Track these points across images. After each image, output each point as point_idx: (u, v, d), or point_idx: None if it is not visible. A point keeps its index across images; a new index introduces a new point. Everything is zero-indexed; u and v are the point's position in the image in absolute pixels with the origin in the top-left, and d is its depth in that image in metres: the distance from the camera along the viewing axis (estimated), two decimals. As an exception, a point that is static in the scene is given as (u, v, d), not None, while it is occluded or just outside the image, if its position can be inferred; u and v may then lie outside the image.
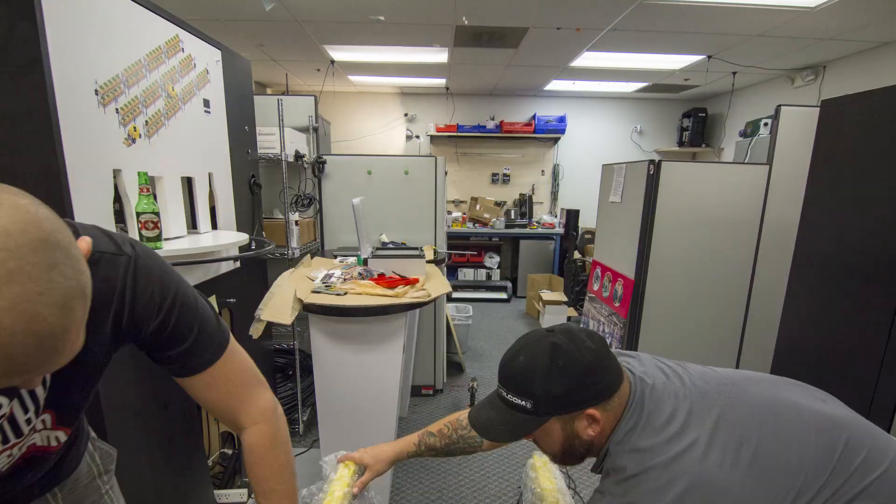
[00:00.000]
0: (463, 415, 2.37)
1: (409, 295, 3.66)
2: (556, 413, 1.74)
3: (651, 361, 1.96)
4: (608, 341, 6.68)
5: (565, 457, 1.86)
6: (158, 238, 2.62)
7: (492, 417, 1.85)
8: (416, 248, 4.94)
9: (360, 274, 4.06)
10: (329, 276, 4.01)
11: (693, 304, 6.24)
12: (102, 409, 2.39)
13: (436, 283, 4.04)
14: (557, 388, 1.70)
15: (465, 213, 11.33)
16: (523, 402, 1.73)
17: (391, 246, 5.37)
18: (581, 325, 1.85)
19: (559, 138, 11.65)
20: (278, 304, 3.46)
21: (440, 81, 10.33)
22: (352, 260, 4.28)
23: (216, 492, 3.64)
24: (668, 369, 1.89)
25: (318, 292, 3.71)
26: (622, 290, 6.49)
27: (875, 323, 2.97)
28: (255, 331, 3.51)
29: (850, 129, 3.26)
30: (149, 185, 2.58)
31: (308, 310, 3.56)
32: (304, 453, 4.92)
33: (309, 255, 4.59)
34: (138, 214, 2.54)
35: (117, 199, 2.55)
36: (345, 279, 3.99)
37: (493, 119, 11.39)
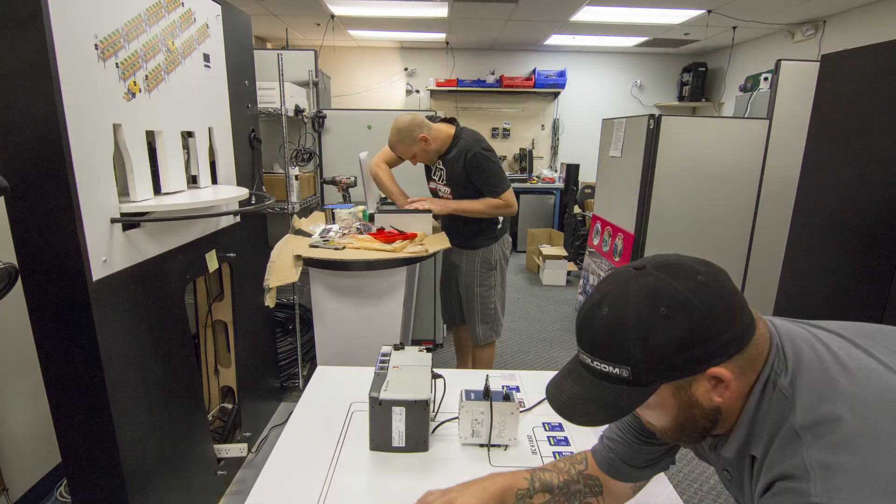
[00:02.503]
0: (584, 452, 1.84)
1: (406, 250, 3.67)
2: (665, 379, 1.24)
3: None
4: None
5: (681, 434, 1.36)
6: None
7: (576, 394, 1.35)
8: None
9: (358, 229, 4.07)
10: (327, 230, 4.02)
11: (692, 259, 6.23)
12: (101, 361, 2.43)
13: (434, 239, 4.05)
14: (663, 346, 1.20)
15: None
16: (617, 370, 1.24)
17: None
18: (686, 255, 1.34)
19: (559, 93, 11.63)
20: (281, 268, 3.48)
21: (440, 36, 10.28)
22: (346, 211, 4.27)
23: (216, 446, 3.67)
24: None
25: (316, 247, 3.72)
26: (622, 244, 6.51)
27: (874, 278, 2.99)
28: (270, 300, 3.54)
29: (849, 83, 3.26)
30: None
31: (307, 264, 3.58)
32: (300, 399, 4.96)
33: (295, 215, 4.59)
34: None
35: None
36: (343, 234, 4.00)
37: (493, 73, 11.36)
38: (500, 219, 4.53)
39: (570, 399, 1.35)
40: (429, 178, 4.65)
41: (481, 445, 2.04)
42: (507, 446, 2.05)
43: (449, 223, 4.53)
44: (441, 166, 4.37)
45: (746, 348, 1.24)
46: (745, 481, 1.33)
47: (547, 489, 1.71)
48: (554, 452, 2.05)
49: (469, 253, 4.53)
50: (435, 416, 2.18)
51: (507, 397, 2.05)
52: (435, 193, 4.60)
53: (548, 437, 2.15)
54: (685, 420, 1.30)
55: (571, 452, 1.98)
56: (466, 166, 4.14)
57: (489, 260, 4.52)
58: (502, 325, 4.81)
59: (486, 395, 2.05)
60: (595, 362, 1.28)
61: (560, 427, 2.23)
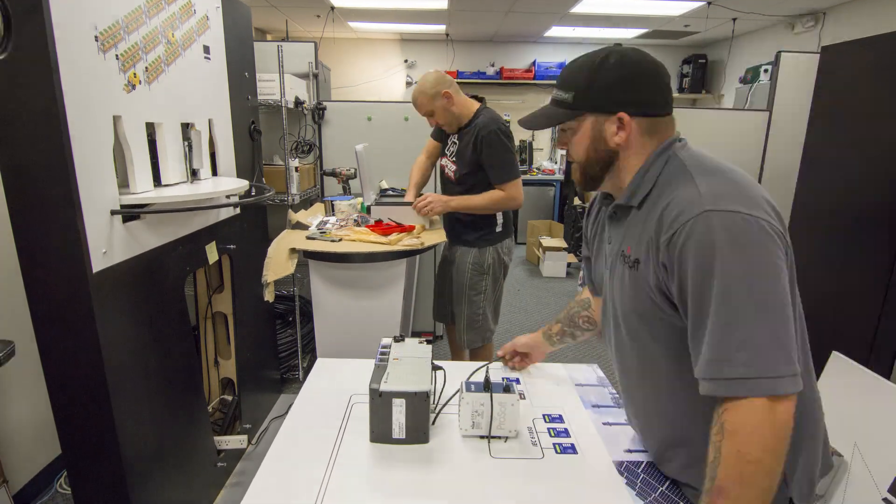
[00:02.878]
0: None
1: (402, 242, 3.67)
2: (591, 108, 1.69)
3: None
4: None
5: (587, 166, 1.78)
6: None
7: (536, 113, 1.86)
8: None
9: (355, 220, 4.07)
10: (324, 222, 4.02)
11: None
12: (101, 353, 2.45)
13: (431, 232, 4.06)
14: (599, 81, 1.66)
15: (465, 160, 11.10)
16: (566, 95, 1.71)
17: (391, 192, 5.38)
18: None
19: (559, 85, 11.54)
20: (278, 262, 3.49)
21: (440, 28, 10.27)
22: (346, 203, 4.27)
23: (216, 438, 3.67)
24: None
25: (313, 238, 3.73)
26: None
27: (875, 267, 3.00)
28: (269, 295, 3.55)
29: (849, 75, 3.27)
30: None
31: (306, 256, 3.59)
32: (300, 391, 4.97)
33: (290, 209, 4.59)
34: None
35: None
36: (340, 225, 4.00)
37: (493, 66, 11.36)
38: (500, 221, 4.29)
39: (532, 116, 1.87)
40: (441, 154, 4.48)
41: (481, 437, 2.04)
42: (507, 438, 2.05)
43: (446, 216, 4.37)
44: (455, 140, 4.23)
45: (655, 120, 1.69)
46: (623, 227, 1.79)
47: (558, 321, 2.50)
48: (554, 444, 2.05)
49: (462, 250, 4.30)
50: (435, 408, 2.18)
51: (507, 389, 2.05)
52: (443, 171, 4.44)
53: (548, 429, 2.15)
54: (592, 154, 1.74)
55: (572, 445, 2.04)
56: (478, 142, 3.96)
57: (481, 263, 4.25)
58: (492, 331, 4.49)
59: (487, 386, 2.05)
60: (556, 91, 1.76)
61: (560, 419, 2.23)
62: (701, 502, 1.44)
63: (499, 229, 4.27)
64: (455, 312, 4.46)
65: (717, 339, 1.42)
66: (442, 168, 4.46)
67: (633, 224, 1.72)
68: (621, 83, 1.66)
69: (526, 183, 10.61)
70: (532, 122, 1.89)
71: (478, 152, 3.98)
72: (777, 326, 1.40)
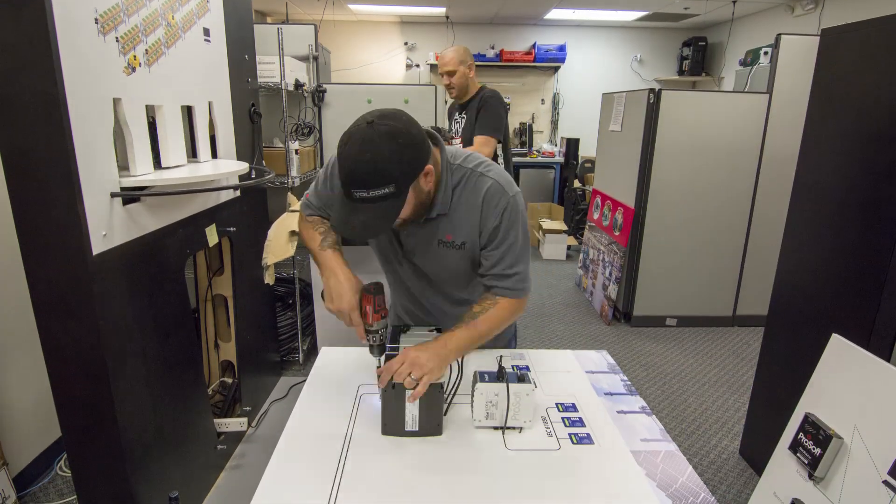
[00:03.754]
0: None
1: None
2: (409, 182, 1.96)
3: None
4: (608, 271, 6.74)
5: (419, 215, 2.18)
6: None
7: (364, 220, 1.96)
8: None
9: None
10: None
11: (693, 233, 6.27)
12: (101, 336, 2.45)
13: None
14: (407, 162, 1.93)
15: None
16: (387, 189, 1.88)
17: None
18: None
19: (559, 67, 11.59)
20: (278, 245, 3.49)
21: (440, 10, 10.24)
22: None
23: (216, 420, 3.68)
24: None
25: (313, 221, 3.72)
26: (622, 218, 6.52)
27: (875, 251, 2.99)
28: (270, 278, 3.55)
29: (850, 58, 3.25)
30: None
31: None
32: (305, 382, 4.97)
33: (290, 192, 4.60)
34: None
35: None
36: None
37: (493, 48, 11.34)
38: None
39: (362, 225, 1.96)
40: (447, 140, 4.79)
41: (495, 428, 2.04)
42: (521, 428, 2.05)
43: None
44: (459, 118, 4.80)
45: (432, 155, 2.08)
46: (434, 232, 2.29)
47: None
48: (570, 434, 2.03)
49: None
50: (449, 400, 2.17)
51: (521, 378, 2.04)
52: None
53: (562, 419, 2.14)
54: (419, 204, 2.09)
55: (588, 434, 2.04)
56: (482, 104, 4.61)
57: None
58: None
59: (501, 376, 2.04)
60: (371, 192, 1.87)
61: (574, 408, 2.22)
62: (461, 324, 2.27)
63: None
64: None
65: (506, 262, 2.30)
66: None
67: (449, 222, 2.29)
68: (417, 151, 1.97)
69: (526, 165, 10.64)
70: (377, 229, 2.19)
71: (478, 114, 4.65)
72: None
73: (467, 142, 4.74)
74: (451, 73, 4.88)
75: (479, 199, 2.22)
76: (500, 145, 4.76)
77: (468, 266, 2.38)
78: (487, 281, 2.33)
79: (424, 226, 2.27)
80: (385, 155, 1.86)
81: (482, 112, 4.73)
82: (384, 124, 1.91)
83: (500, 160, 4.73)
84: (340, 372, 2.46)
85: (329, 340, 3.76)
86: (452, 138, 4.98)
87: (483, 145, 4.59)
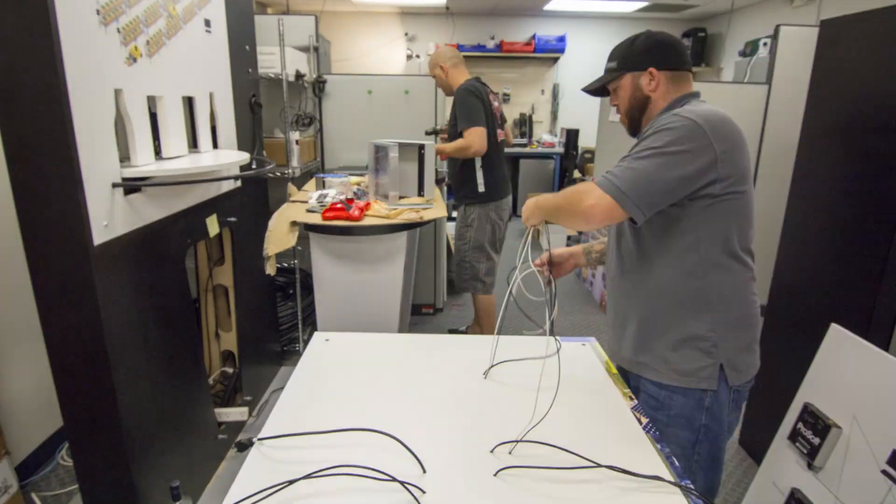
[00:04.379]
0: None
1: (402, 216, 3.67)
2: (630, 69, 2.31)
3: None
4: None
5: (630, 112, 2.39)
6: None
7: (592, 82, 2.51)
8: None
9: (354, 194, 4.06)
10: (324, 195, 4.02)
11: (692, 224, 6.25)
12: (102, 325, 2.45)
13: (432, 207, 4.03)
14: (633, 49, 2.31)
15: (464, 134, 11.04)
16: (611, 64, 2.37)
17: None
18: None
19: (559, 58, 11.58)
20: (279, 236, 3.49)
21: (440, 1, 10.22)
22: (337, 180, 4.27)
23: (217, 410, 3.69)
24: None
25: (313, 212, 3.72)
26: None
27: (874, 241, 3.00)
28: (271, 268, 3.56)
29: (849, 49, 3.26)
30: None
31: (307, 229, 3.59)
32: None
33: (290, 183, 4.61)
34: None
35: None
36: (340, 200, 4.01)
37: (493, 38, 11.32)
38: (480, 182, 4.88)
39: (590, 83, 2.53)
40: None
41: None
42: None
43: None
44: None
45: (677, 74, 2.30)
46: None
47: (600, 243, 2.85)
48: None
49: (455, 207, 5.19)
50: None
51: None
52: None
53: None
54: (633, 102, 2.34)
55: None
56: (453, 103, 4.76)
57: (465, 217, 5.01)
58: (484, 283, 5.15)
59: None
60: (606, 64, 2.41)
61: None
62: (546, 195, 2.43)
63: (481, 189, 4.90)
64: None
65: (622, 163, 2.15)
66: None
67: None
68: (649, 49, 2.29)
69: (526, 156, 10.63)
70: (589, 86, 2.54)
71: (453, 112, 4.76)
72: (651, 178, 2.04)
73: (451, 138, 4.90)
74: (433, 77, 5.29)
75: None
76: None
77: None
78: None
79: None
80: (630, 41, 2.34)
81: (455, 108, 4.83)
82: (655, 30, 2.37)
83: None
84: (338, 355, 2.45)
85: (329, 330, 3.78)
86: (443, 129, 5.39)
87: (469, 135, 4.64)
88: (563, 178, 10.87)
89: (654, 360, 2.27)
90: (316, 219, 3.59)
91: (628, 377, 2.40)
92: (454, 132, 4.81)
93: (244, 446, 1.82)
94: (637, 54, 2.30)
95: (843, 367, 2.56)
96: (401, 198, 4.15)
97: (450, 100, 4.97)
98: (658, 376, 2.26)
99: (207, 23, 3.38)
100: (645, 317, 2.31)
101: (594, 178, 2.35)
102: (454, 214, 5.21)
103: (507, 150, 5.07)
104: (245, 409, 3.80)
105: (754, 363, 2.29)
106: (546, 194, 2.42)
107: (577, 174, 10.03)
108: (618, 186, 2.05)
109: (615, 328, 2.49)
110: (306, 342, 4.87)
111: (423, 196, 4.29)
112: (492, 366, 2.28)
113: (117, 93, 2.51)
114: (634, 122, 2.39)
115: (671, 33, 2.37)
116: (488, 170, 4.87)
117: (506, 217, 5.15)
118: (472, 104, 4.71)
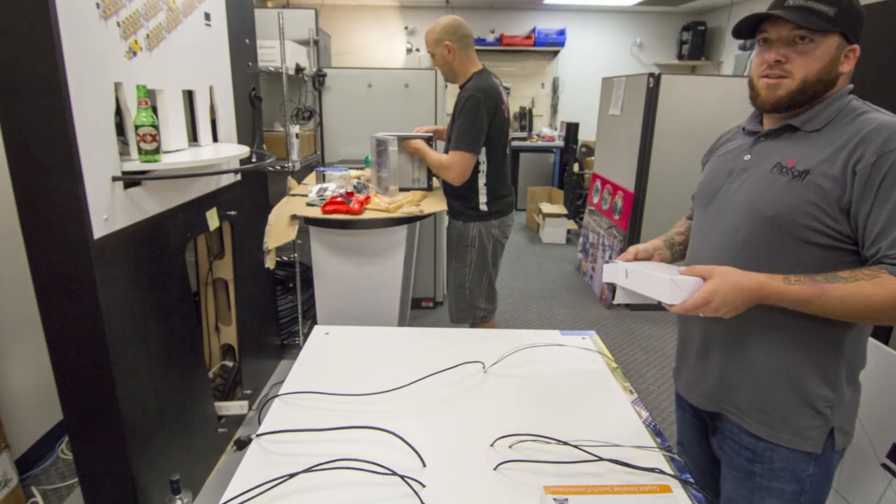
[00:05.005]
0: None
1: (402, 210, 3.66)
2: (845, 29, 1.77)
3: None
4: (608, 254, 6.75)
5: (810, 85, 1.80)
6: (157, 151, 2.60)
7: (791, 5, 1.78)
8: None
9: (354, 187, 4.06)
10: (324, 189, 4.01)
11: (692, 217, 6.26)
12: (103, 319, 2.46)
13: (432, 200, 4.05)
14: (856, 9, 1.80)
15: (465, 127, 11.01)
16: (827, 8, 1.72)
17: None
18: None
19: (559, 51, 11.57)
20: (279, 229, 3.49)
21: (440, -6, 10.22)
22: (337, 174, 4.26)
23: (216, 404, 3.70)
24: None
25: (313, 205, 3.72)
26: (622, 202, 6.53)
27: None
28: (271, 262, 3.56)
29: (849, 42, 3.26)
30: (147, 98, 2.56)
31: (308, 223, 3.59)
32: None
33: (290, 176, 4.60)
34: (137, 127, 2.53)
35: (118, 112, 2.56)
36: (340, 193, 4.00)
37: (493, 32, 11.31)
38: (482, 200, 4.05)
39: (784, 7, 1.77)
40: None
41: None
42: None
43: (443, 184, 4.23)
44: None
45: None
46: (779, 145, 1.94)
47: (680, 234, 2.58)
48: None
49: (450, 221, 4.26)
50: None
51: None
52: None
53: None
54: (823, 76, 1.79)
55: None
56: (459, 102, 3.86)
57: (465, 234, 4.09)
58: (484, 309, 4.29)
59: None
60: (812, 2, 1.73)
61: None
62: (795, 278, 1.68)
63: (483, 208, 4.05)
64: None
65: None
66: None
67: (804, 142, 1.85)
68: (863, 19, 1.83)
69: (526, 150, 10.65)
70: (790, 14, 1.75)
71: (455, 113, 3.89)
72: None
73: (448, 140, 4.05)
74: (431, 56, 4.20)
75: (858, 132, 1.74)
76: (485, 149, 3.95)
77: (800, 218, 1.77)
78: (869, 249, 1.70)
79: (777, 139, 1.97)
80: None
81: (458, 119, 3.85)
82: None
83: (483, 166, 4.00)
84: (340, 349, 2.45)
85: (329, 324, 3.78)
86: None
87: (455, 163, 3.81)
88: (562, 172, 10.87)
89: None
90: (316, 212, 3.58)
91: None
92: (449, 129, 4.07)
93: (243, 444, 1.83)
94: (858, 18, 1.83)
95: (843, 360, 2.56)
96: (401, 190, 4.09)
97: (452, 92, 4.53)
98: None
99: (207, 16, 3.38)
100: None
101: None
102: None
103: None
104: (245, 403, 3.80)
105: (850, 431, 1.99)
106: (770, 281, 1.72)
107: (576, 168, 10.02)
108: None
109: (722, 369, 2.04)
110: (306, 336, 4.87)
111: (428, 190, 4.25)
112: (494, 362, 2.28)
113: (117, 86, 2.51)
114: (803, 100, 1.85)
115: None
116: (494, 183, 4.07)
117: (509, 234, 4.36)
118: (479, 122, 3.79)
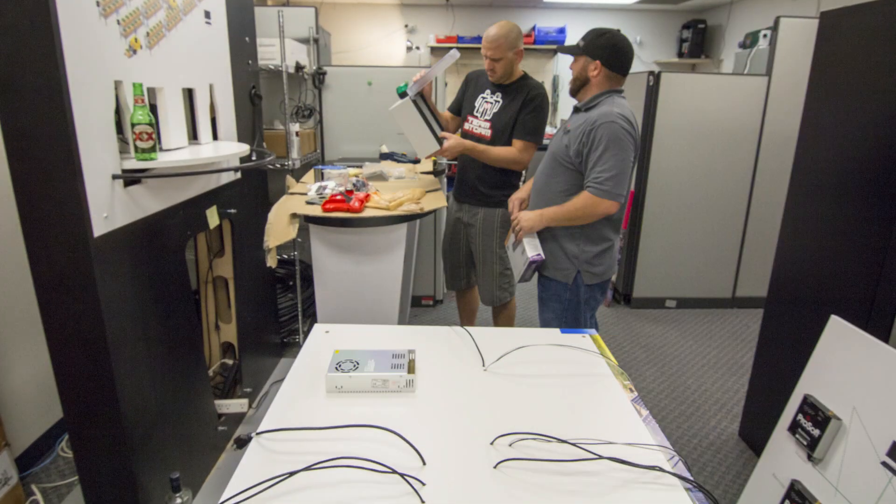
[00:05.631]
0: None
1: (402, 207, 3.66)
2: (586, 53, 3.33)
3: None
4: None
5: (575, 81, 3.46)
6: (153, 149, 2.59)
7: (565, 47, 3.52)
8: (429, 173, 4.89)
9: (353, 185, 4.05)
10: (323, 187, 4.01)
11: (692, 215, 6.29)
12: (102, 317, 2.45)
13: (431, 198, 4.05)
14: (595, 42, 3.31)
15: (464, 125, 11.00)
16: (581, 42, 3.38)
17: (398, 157, 5.39)
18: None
19: (559, 50, 11.50)
20: (279, 228, 3.49)
21: (440, -8, 10.22)
22: (336, 171, 4.26)
23: (217, 402, 3.70)
24: None
25: (313, 203, 3.72)
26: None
27: (873, 232, 3.00)
28: (272, 261, 3.56)
29: (849, 40, 3.25)
30: (143, 95, 2.57)
31: (308, 220, 3.59)
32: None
33: (289, 175, 4.61)
34: (133, 125, 2.53)
35: (118, 110, 2.56)
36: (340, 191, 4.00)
37: (493, 30, 11.31)
38: (523, 174, 4.51)
39: (563, 46, 3.57)
40: (467, 116, 4.47)
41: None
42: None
43: (464, 176, 4.44)
44: (492, 99, 4.30)
45: (613, 75, 3.31)
46: (573, 117, 3.50)
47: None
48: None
49: (487, 211, 4.38)
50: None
51: None
52: (470, 133, 4.42)
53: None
54: (579, 76, 3.40)
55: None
56: (525, 101, 4.15)
57: (495, 221, 4.36)
58: (513, 287, 4.69)
59: None
60: (579, 40, 3.39)
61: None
62: (548, 209, 3.44)
63: (523, 182, 4.20)
64: (480, 273, 4.59)
65: (598, 171, 3.18)
66: (468, 131, 4.44)
67: (578, 117, 3.40)
68: (604, 47, 3.29)
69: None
70: (563, 49, 3.52)
71: (520, 110, 4.15)
72: (621, 176, 3.17)
73: (504, 126, 4.21)
74: (497, 60, 4.16)
75: (593, 113, 3.29)
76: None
77: (563, 158, 3.43)
78: (586, 188, 3.29)
79: (574, 114, 3.52)
80: (599, 34, 3.33)
81: (530, 112, 4.16)
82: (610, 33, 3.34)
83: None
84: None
85: (329, 322, 3.78)
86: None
87: (523, 151, 4.17)
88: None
89: None
90: (316, 210, 3.58)
91: None
92: (504, 125, 4.21)
93: (243, 442, 1.82)
94: (596, 46, 3.33)
95: (843, 358, 2.56)
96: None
97: (452, 90, 4.66)
98: None
99: (207, 14, 3.38)
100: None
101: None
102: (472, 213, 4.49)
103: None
104: (245, 401, 3.81)
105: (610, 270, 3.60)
106: (548, 210, 3.47)
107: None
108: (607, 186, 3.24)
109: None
110: (306, 334, 4.87)
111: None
112: (494, 360, 2.28)
113: (117, 84, 2.51)
114: (574, 90, 3.51)
115: (629, 43, 3.37)
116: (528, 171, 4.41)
117: None
118: (545, 118, 4.24)
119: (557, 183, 3.48)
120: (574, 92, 3.52)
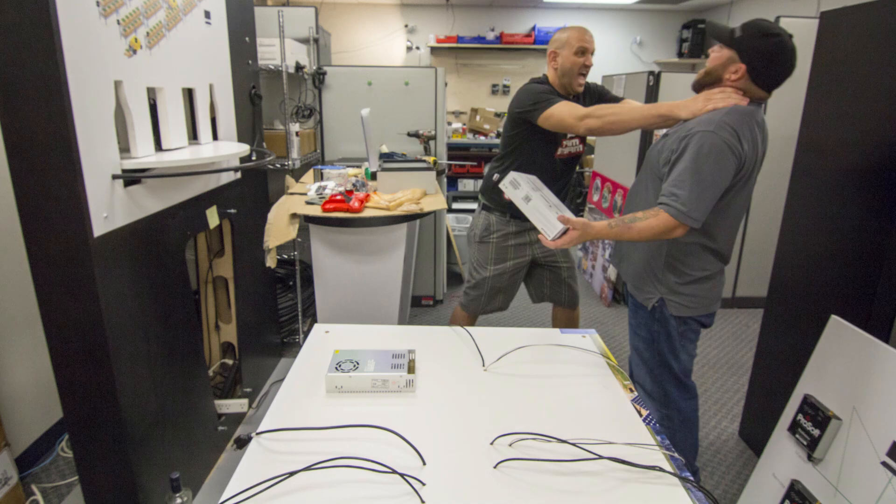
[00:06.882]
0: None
1: (402, 208, 3.66)
2: (737, 49, 2.73)
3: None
4: (608, 252, 6.76)
5: (706, 75, 2.85)
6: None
7: (721, 26, 2.85)
8: (423, 161, 4.90)
9: (353, 185, 4.05)
10: (323, 187, 4.01)
11: (692, 216, 6.26)
12: (102, 317, 2.45)
13: (431, 198, 4.03)
14: (754, 41, 2.72)
15: (465, 124, 11.08)
16: (738, 31, 2.76)
17: (398, 158, 5.39)
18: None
19: (560, 49, 11.50)
20: (279, 228, 3.50)
21: (440, -8, 10.22)
22: (335, 172, 4.27)
23: (217, 402, 3.70)
24: None
25: (313, 203, 3.72)
26: (622, 200, 6.52)
27: (873, 231, 3.00)
28: (272, 261, 3.56)
29: (849, 40, 3.25)
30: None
31: (308, 220, 3.59)
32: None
33: (288, 175, 4.61)
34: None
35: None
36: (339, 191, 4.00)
37: (493, 30, 11.30)
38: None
39: (717, 26, 2.90)
40: (561, 141, 3.81)
41: None
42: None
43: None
44: None
45: (751, 85, 2.77)
46: (668, 135, 2.88)
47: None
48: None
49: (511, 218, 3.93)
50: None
51: None
52: (560, 157, 3.87)
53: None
54: (715, 73, 2.81)
55: None
56: (597, 95, 3.88)
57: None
58: None
59: None
60: (738, 27, 2.78)
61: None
62: (613, 221, 2.73)
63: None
64: (570, 283, 4.35)
65: (673, 183, 2.64)
66: (561, 156, 3.87)
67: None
68: (761, 52, 2.70)
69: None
70: (713, 29, 2.91)
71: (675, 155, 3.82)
72: (702, 195, 2.59)
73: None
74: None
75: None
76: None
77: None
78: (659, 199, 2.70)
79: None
80: (762, 33, 2.73)
81: (684, 158, 3.61)
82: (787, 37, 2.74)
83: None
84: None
85: (330, 322, 3.78)
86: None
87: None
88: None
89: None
90: (316, 210, 3.58)
91: None
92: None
93: (243, 442, 1.82)
94: (751, 48, 2.73)
95: (843, 358, 2.56)
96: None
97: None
98: None
99: (207, 14, 3.38)
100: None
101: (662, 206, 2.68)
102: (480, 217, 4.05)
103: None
104: (245, 401, 3.81)
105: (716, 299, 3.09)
106: (599, 223, 2.73)
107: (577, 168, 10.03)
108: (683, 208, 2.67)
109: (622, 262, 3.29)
110: (306, 334, 4.87)
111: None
112: (494, 360, 2.28)
113: (117, 84, 2.51)
114: (701, 85, 2.90)
115: (794, 57, 2.77)
116: None
117: None
118: None
119: (643, 195, 2.98)
120: (699, 87, 2.88)
